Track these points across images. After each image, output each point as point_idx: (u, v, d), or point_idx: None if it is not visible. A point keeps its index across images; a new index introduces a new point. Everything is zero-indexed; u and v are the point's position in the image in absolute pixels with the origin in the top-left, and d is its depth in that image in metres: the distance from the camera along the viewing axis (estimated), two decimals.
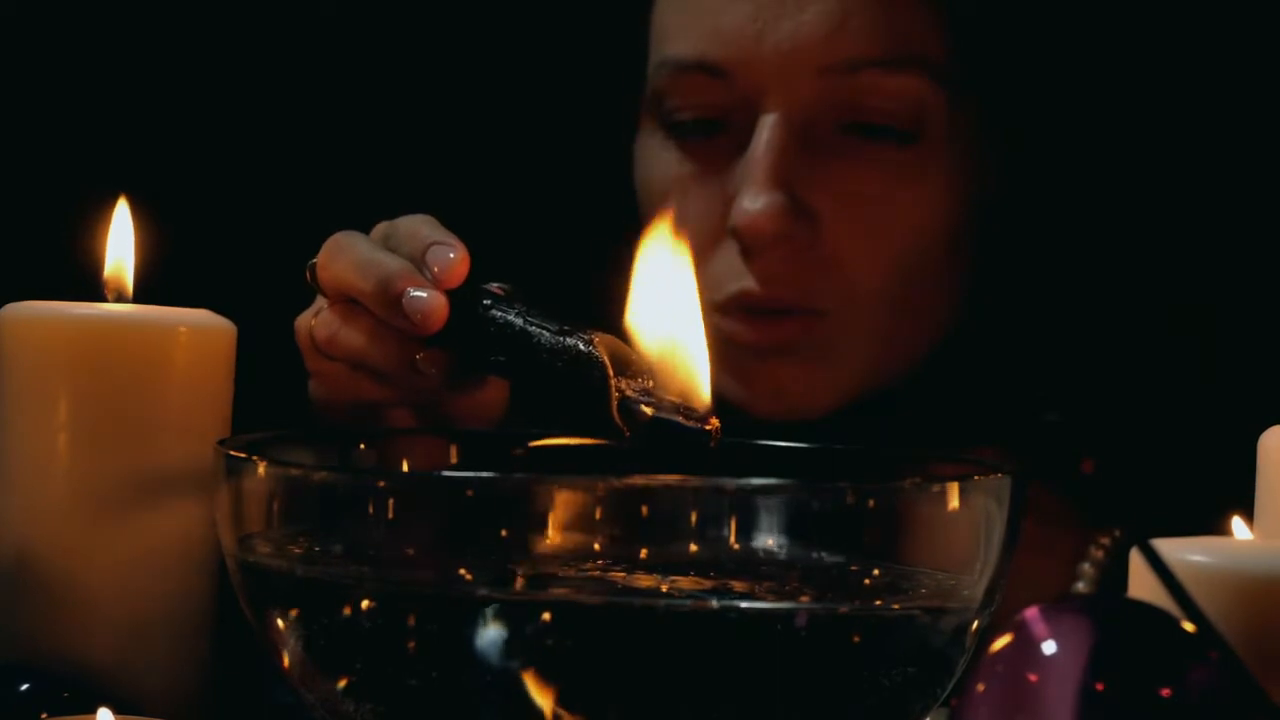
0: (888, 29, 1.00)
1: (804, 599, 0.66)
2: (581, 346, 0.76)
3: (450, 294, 0.82)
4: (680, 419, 0.72)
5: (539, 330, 0.78)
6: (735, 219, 1.00)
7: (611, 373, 0.73)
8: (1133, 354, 1.09)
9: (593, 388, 0.74)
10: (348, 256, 0.85)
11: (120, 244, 0.84)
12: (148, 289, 0.84)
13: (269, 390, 0.87)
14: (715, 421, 0.72)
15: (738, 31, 1.01)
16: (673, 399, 0.72)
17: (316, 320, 0.87)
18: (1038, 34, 1.06)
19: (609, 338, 0.75)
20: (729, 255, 1.01)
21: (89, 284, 0.84)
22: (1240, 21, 1.12)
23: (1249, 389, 1.06)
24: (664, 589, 0.65)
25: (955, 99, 1.01)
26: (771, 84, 1.00)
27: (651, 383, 0.73)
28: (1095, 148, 1.08)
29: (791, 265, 1.01)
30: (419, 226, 0.85)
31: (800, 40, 1.00)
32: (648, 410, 0.72)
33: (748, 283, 1.01)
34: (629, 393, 0.73)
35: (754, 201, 0.99)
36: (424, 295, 0.81)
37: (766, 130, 1.00)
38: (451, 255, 0.82)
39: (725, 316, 1.02)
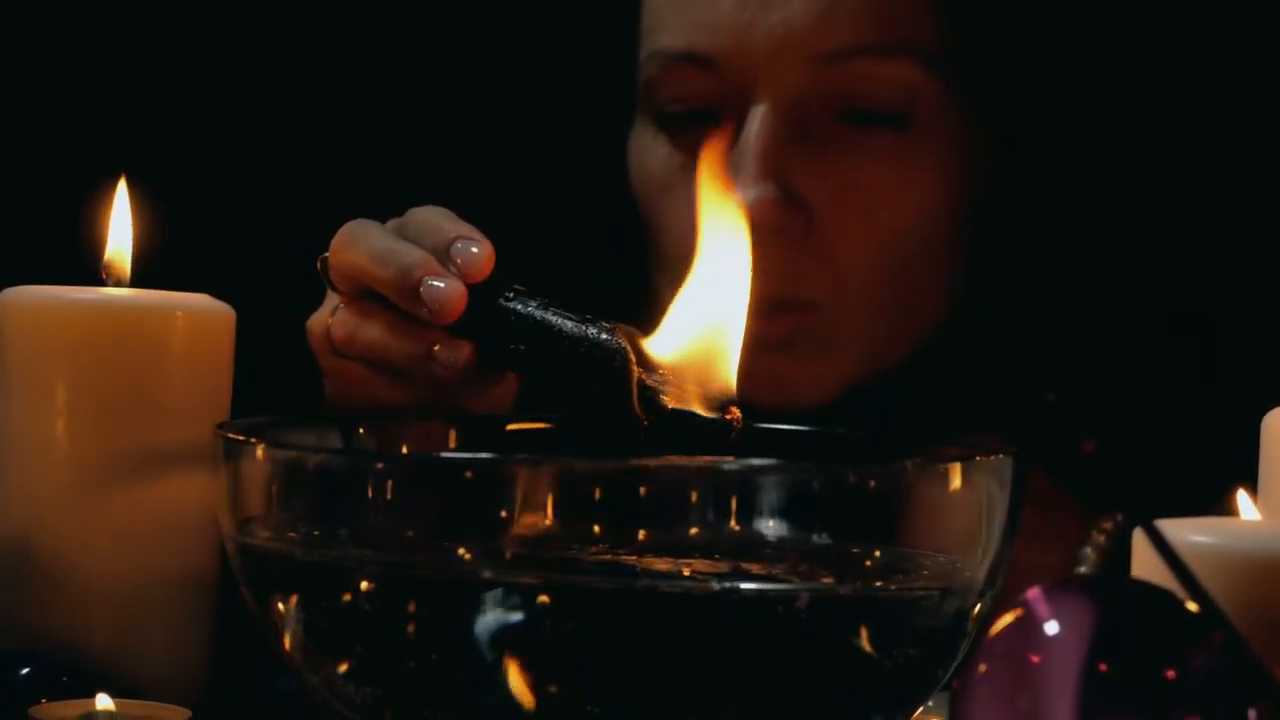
0: (878, 15, 1.00)
1: (822, 580, 0.66)
2: (604, 335, 0.76)
3: (468, 286, 0.81)
4: (700, 410, 0.72)
5: (560, 320, 0.78)
6: None
7: (634, 361, 0.73)
8: (1133, 336, 1.08)
9: (615, 376, 0.74)
10: (363, 245, 0.83)
11: (120, 229, 0.84)
12: (146, 274, 0.84)
13: (269, 375, 0.87)
14: (736, 412, 0.71)
15: (726, 21, 1.00)
16: (692, 389, 0.72)
17: (334, 319, 0.86)
18: (1029, 20, 1.06)
19: (627, 329, 0.75)
20: None
21: (88, 268, 0.83)
22: (1236, 13, 1.12)
23: (1252, 370, 1.06)
24: (686, 573, 0.65)
25: (948, 86, 1.01)
26: (761, 74, 1.00)
27: (670, 374, 0.73)
28: (1088, 136, 1.08)
29: (786, 256, 1.00)
30: (439, 219, 0.84)
31: (789, 29, 0.99)
32: (669, 401, 0.72)
33: None
34: (649, 383, 0.73)
35: (745, 193, 0.98)
36: (442, 285, 0.80)
37: (757, 121, 1.00)
38: (476, 250, 0.81)
39: None
